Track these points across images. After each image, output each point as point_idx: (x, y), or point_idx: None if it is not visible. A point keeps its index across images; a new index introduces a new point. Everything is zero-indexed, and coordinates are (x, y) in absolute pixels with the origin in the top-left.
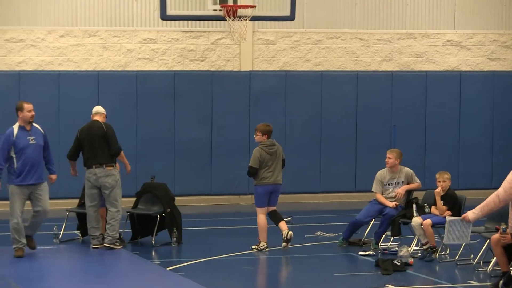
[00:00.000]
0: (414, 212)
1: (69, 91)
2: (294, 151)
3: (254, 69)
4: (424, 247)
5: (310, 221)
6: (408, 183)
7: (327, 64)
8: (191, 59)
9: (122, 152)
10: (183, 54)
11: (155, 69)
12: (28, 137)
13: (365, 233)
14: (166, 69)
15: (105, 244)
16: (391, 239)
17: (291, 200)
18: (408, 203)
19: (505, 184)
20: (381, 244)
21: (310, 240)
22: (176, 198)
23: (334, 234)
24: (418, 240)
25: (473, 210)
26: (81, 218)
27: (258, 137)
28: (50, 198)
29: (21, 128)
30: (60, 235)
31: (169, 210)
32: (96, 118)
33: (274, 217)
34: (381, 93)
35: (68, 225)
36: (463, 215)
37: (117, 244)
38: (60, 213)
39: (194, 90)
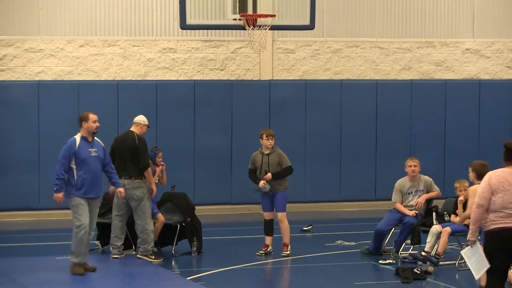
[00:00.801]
0: (434, 220)
1: (88, 101)
2: (314, 160)
3: (274, 78)
4: (423, 253)
5: (330, 230)
6: (427, 192)
7: (347, 73)
8: (211, 68)
9: (149, 170)
10: (203, 64)
11: (175, 78)
12: (90, 149)
13: (385, 242)
14: (186, 78)
15: (138, 255)
16: (411, 248)
17: (311, 209)
18: (427, 212)
19: (478, 193)
20: (401, 252)
21: (330, 249)
22: (196, 207)
23: (354, 243)
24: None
25: (469, 233)
26: (101, 228)
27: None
28: (69, 208)
29: (83, 138)
30: None
31: (189, 219)
32: (132, 128)
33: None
34: (401, 101)
35: None
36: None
37: (152, 256)
38: None
39: (214, 99)
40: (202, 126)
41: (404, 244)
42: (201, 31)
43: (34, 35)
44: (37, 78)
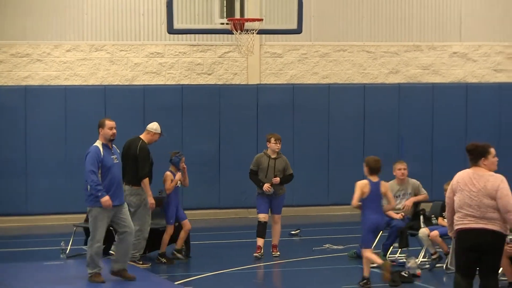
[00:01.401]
0: (422, 223)
1: (75, 105)
2: (302, 164)
3: (262, 82)
4: (433, 257)
5: (318, 233)
6: (415, 195)
7: (335, 76)
8: (199, 73)
9: (146, 181)
10: (190, 68)
11: (162, 83)
12: (112, 156)
13: (373, 245)
14: (174, 83)
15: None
16: (399, 251)
17: (299, 213)
18: (415, 215)
19: (447, 195)
20: (389, 256)
21: (318, 253)
22: (184, 211)
23: (342, 247)
24: (426, 251)
25: (448, 231)
26: (89, 233)
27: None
28: (57, 213)
29: (104, 146)
30: (68, 250)
31: (176, 224)
32: (142, 135)
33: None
34: (388, 105)
35: (75, 240)
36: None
37: (139, 262)
38: (68, 228)
39: (202, 104)
40: (190, 130)
41: (392, 247)
42: (188, 35)
43: (20, 40)
44: (24, 83)
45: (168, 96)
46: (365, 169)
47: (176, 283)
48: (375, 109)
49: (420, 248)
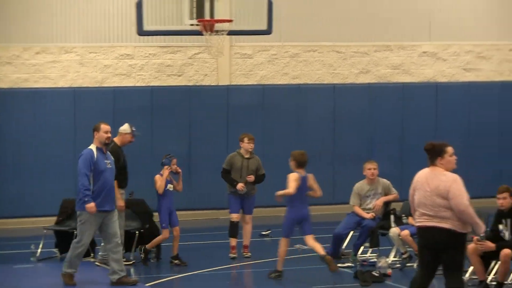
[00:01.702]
0: (392, 223)
1: (45, 108)
2: (272, 165)
3: (232, 83)
4: (404, 256)
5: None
6: (385, 194)
7: (305, 77)
8: (169, 74)
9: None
10: (160, 69)
11: (132, 84)
12: (106, 161)
13: (344, 245)
14: (144, 84)
15: (96, 263)
16: (370, 251)
17: (269, 214)
18: (386, 214)
19: (410, 193)
20: (360, 255)
21: (288, 254)
22: (155, 213)
23: None
24: (397, 251)
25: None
26: (59, 236)
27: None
28: (27, 216)
29: (98, 149)
30: (38, 254)
31: (147, 226)
32: (115, 138)
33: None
34: (359, 105)
35: (46, 243)
36: None
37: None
38: (38, 231)
39: (172, 105)
40: (160, 132)
41: (362, 247)
42: (158, 37)
43: None
44: None
45: (138, 98)
46: (292, 163)
47: (147, 285)
48: (346, 109)
49: (391, 247)
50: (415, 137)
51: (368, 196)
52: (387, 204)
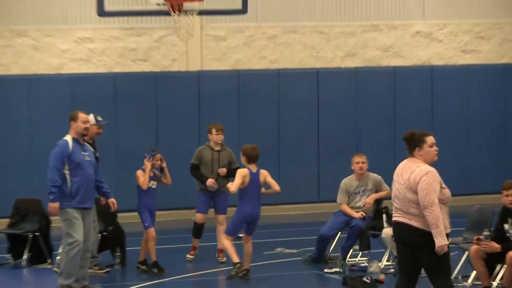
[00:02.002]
0: (384, 223)
1: None
2: None
3: (203, 69)
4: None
5: (269, 236)
6: (376, 191)
7: (285, 61)
8: (133, 59)
9: None
10: (123, 54)
11: (92, 71)
12: (83, 153)
13: (331, 248)
14: (105, 70)
15: (53, 269)
16: (360, 254)
17: None
18: (377, 213)
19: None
20: (349, 259)
21: (269, 258)
22: (119, 214)
23: (296, 250)
24: (390, 254)
25: None
26: (12, 240)
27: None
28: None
29: (74, 140)
30: None
31: (111, 228)
32: None
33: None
34: (345, 92)
35: None
36: None
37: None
38: None
39: (137, 93)
40: (124, 122)
41: (351, 250)
42: (121, 18)
43: None
44: None
45: (99, 85)
46: (243, 158)
47: None
48: (330, 96)
49: (383, 250)
50: (408, 127)
51: (357, 193)
52: (378, 201)
